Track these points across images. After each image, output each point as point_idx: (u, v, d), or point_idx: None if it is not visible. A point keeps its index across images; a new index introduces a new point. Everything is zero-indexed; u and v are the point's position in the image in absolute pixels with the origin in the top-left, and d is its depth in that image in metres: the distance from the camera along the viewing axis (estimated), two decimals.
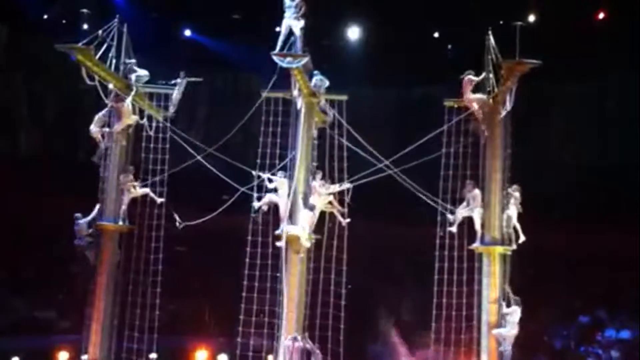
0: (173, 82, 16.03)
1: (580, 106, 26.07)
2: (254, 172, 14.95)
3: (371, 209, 15.80)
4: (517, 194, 14.37)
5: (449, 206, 14.76)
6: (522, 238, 14.36)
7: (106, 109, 15.62)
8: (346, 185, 14.79)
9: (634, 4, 21.53)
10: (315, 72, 14.67)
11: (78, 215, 15.53)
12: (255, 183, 14.94)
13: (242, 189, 15.26)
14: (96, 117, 15.70)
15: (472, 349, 14.55)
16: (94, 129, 15.69)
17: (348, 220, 14.94)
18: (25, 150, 25.80)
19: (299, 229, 14.14)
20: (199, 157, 15.79)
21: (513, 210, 14.30)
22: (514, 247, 14.29)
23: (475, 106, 14.54)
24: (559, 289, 22.06)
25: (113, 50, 15.30)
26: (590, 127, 25.85)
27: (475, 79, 14.54)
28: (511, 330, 13.78)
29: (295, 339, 13.92)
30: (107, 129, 15.70)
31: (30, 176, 23.15)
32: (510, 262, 14.27)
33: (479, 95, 14.50)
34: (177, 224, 15.92)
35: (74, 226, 15.46)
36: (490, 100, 14.34)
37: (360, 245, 15.48)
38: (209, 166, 15.73)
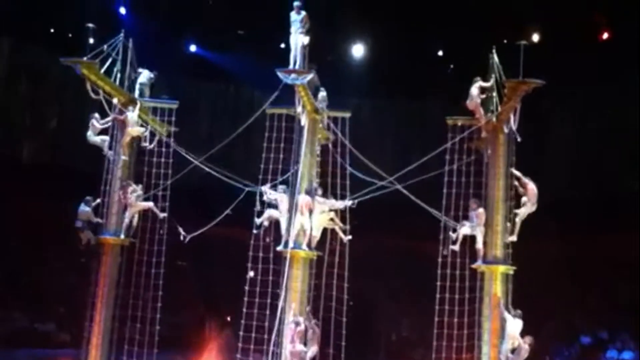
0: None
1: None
2: (249, 186, 15.00)
3: (373, 226, 15.74)
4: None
5: (452, 222, 14.71)
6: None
7: (95, 117, 15.50)
8: (348, 202, 14.78)
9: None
10: (322, 88, 14.73)
11: (89, 198, 15.53)
12: (258, 190, 14.93)
13: (247, 189, 15.22)
14: (90, 124, 15.62)
15: None
16: (92, 137, 15.65)
17: (349, 237, 14.93)
18: (26, 159, 25.80)
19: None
20: (197, 162, 15.68)
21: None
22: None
23: (481, 111, 14.48)
24: (561, 307, 21.96)
25: (118, 64, 15.37)
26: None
27: (485, 84, 14.51)
28: (506, 344, 13.61)
29: (297, 323, 13.88)
30: (107, 137, 15.67)
31: (30, 185, 23.09)
32: (512, 280, 14.21)
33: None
34: (182, 237, 15.89)
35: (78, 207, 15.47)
36: (494, 119, 14.34)
37: (361, 261, 15.46)
38: (211, 171, 15.63)
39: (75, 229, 15.53)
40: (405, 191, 14.92)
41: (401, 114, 26.74)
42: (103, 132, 15.74)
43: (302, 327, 13.93)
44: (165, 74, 16.79)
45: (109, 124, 15.63)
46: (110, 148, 15.66)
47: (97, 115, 15.55)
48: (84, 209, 15.51)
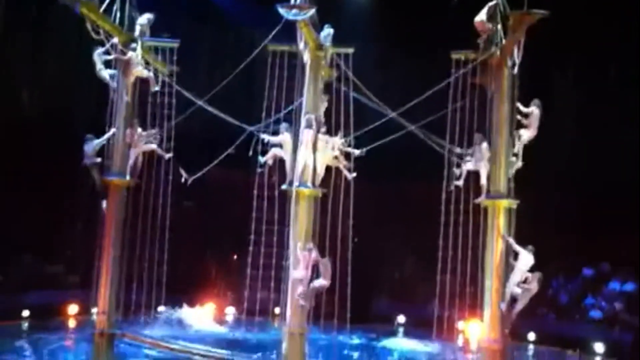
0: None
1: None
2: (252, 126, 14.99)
3: (377, 164, 15.75)
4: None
5: (456, 150, 14.69)
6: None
7: (103, 49, 15.35)
8: (357, 152, 14.78)
9: None
10: (327, 25, 14.56)
11: (90, 136, 15.61)
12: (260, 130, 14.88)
13: (250, 129, 15.22)
14: (96, 57, 15.43)
15: (475, 302, 14.68)
16: (102, 72, 15.47)
17: (354, 174, 14.97)
18: (29, 105, 25.68)
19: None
20: (200, 103, 15.58)
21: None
22: None
23: (488, 25, 14.22)
24: (563, 242, 22.14)
25: (117, 3, 15.17)
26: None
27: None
28: (515, 276, 13.78)
29: (310, 250, 14.09)
30: (114, 72, 15.56)
31: (37, 133, 23.11)
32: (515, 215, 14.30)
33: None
34: (183, 179, 15.98)
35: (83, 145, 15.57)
36: (498, 53, 14.19)
37: (365, 200, 15.55)
38: (213, 111, 15.55)
39: (86, 168, 15.60)
40: (409, 125, 14.81)
41: (405, 51, 26.44)
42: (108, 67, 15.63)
43: (314, 254, 14.09)
44: (164, 15, 16.53)
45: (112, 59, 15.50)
46: (112, 78, 15.52)
47: (101, 49, 15.40)
48: (87, 144, 15.59)
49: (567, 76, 25.58)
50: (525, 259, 13.72)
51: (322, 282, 14.20)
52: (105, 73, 15.55)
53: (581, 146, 23.72)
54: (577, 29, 22.25)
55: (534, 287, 13.76)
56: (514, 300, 13.93)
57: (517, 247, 13.78)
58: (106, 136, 15.61)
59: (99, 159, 15.61)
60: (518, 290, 13.84)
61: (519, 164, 14.41)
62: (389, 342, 19.49)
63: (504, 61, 14.08)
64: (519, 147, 14.38)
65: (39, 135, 22.86)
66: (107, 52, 15.38)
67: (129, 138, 15.56)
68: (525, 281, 13.83)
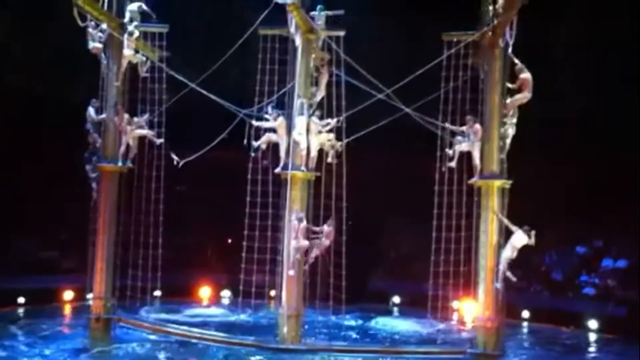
0: None
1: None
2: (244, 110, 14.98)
3: (370, 145, 15.76)
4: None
5: (449, 127, 14.68)
6: None
7: (91, 26, 15.13)
8: (338, 144, 14.85)
9: None
10: (321, 6, 14.48)
11: (94, 100, 15.66)
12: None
13: (243, 112, 15.21)
14: (88, 33, 15.23)
15: (469, 281, 14.79)
16: (94, 43, 15.28)
17: (336, 161, 14.98)
18: (20, 89, 25.48)
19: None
20: (193, 85, 15.49)
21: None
22: None
23: None
24: (556, 220, 22.24)
25: None
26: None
27: None
28: (506, 251, 13.85)
29: (300, 220, 14.28)
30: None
31: (30, 118, 22.94)
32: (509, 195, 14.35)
33: None
34: (175, 162, 15.96)
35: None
36: (489, 33, 14.14)
37: (358, 181, 15.58)
38: (205, 92, 15.50)
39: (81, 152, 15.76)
40: (403, 106, 14.81)
41: (397, 31, 26.30)
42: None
43: (304, 223, 14.31)
44: None
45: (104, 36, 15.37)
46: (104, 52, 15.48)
47: (92, 23, 15.21)
48: (88, 110, 15.71)
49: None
50: (519, 237, 13.78)
51: (324, 241, 14.51)
52: (98, 45, 15.34)
53: (574, 121, 23.65)
54: None
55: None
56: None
57: (512, 227, 13.84)
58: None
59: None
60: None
61: (514, 120, 14.30)
62: (383, 321, 19.58)
63: (496, 41, 14.03)
64: (514, 107, 14.23)
65: (33, 119, 22.69)
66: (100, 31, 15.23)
67: (117, 123, 15.51)
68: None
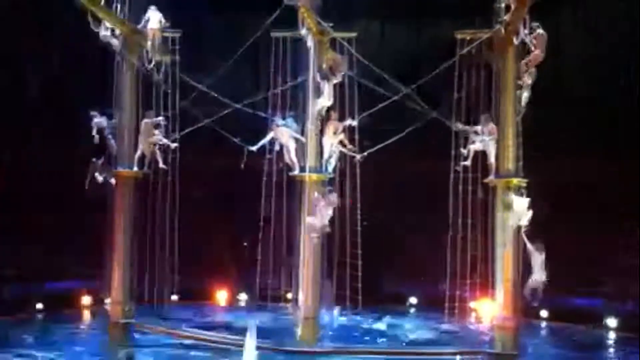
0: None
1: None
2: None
3: (383, 146, 15.74)
4: None
5: (461, 126, 14.64)
6: None
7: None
8: (353, 122, 14.73)
9: None
10: None
11: (94, 112, 15.74)
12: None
13: (257, 111, 15.20)
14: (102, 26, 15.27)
15: (487, 282, 14.72)
16: (105, 33, 15.32)
17: (363, 155, 14.87)
18: (32, 96, 25.65)
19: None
20: (202, 88, 15.59)
21: None
22: None
23: None
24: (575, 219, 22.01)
25: None
26: None
27: None
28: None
29: (321, 197, 14.20)
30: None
31: (44, 121, 23.03)
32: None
33: None
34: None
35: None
36: (502, 30, 14.07)
37: (372, 182, 15.56)
38: (218, 96, 15.55)
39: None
40: (416, 97, 14.74)
41: (410, 31, 26.26)
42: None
43: (326, 200, 14.24)
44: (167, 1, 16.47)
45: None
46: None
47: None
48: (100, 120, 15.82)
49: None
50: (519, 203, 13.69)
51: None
52: (110, 37, 15.37)
53: None
54: None
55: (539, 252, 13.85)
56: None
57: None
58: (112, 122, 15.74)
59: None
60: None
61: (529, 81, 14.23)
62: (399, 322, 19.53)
63: (509, 39, 13.96)
64: (530, 69, 14.12)
65: (46, 123, 22.80)
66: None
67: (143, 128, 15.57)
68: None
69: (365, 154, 14.97)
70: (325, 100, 14.49)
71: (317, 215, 14.12)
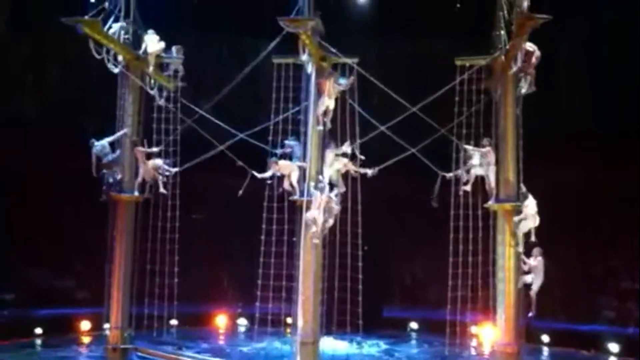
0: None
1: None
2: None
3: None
4: None
5: (462, 146, 14.67)
6: None
7: None
8: (369, 172, 14.76)
9: None
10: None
11: (93, 140, 15.54)
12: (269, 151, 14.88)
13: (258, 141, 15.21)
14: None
15: (488, 306, 14.67)
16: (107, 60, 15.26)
17: (374, 171, 14.88)
18: (33, 116, 25.78)
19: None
20: (202, 112, 15.61)
21: None
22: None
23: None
24: (575, 237, 22.03)
25: (121, 20, 15.22)
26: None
27: None
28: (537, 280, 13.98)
29: (322, 189, 14.13)
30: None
31: (40, 143, 23.08)
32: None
33: None
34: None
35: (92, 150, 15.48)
36: (502, 58, 14.18)
37: (374, 206, 15.54)
38: (218, 122, 15.57)
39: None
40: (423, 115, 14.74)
41: (409, 56, 26.51)
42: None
43: (325, 194, 14.08)
44: (169, 26, 16.58)
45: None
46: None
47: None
48: (99, 149, 15.54)
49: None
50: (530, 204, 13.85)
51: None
52: (112, 64, 15.34)
53: None
54: None
55: (539, 261, 13.98)
56: (527, 286, 14.10)
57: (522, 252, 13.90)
58: (116, 135, 15.64)
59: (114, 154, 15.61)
60: (528, 279, 14.04)
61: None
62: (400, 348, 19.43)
63: (508, 65, 14.06)
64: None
65: (47, 147, 22.90)
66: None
67: (137, 155, 15.61)
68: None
69: (376, 169, 14.87)
70: (329, 100, 14.41)
71: (318, 210, 13.97)
